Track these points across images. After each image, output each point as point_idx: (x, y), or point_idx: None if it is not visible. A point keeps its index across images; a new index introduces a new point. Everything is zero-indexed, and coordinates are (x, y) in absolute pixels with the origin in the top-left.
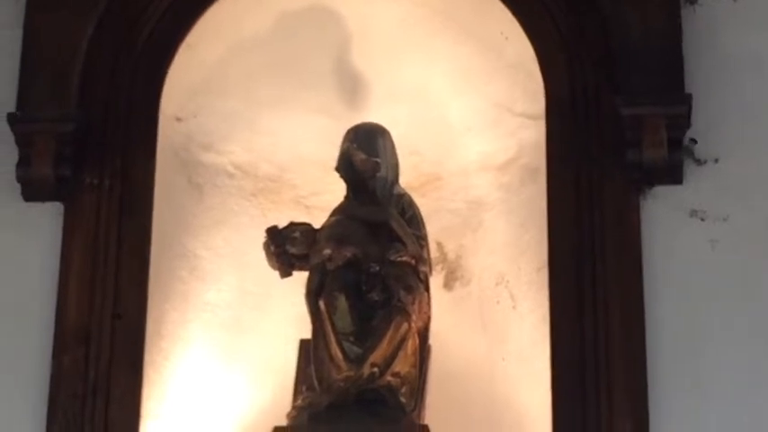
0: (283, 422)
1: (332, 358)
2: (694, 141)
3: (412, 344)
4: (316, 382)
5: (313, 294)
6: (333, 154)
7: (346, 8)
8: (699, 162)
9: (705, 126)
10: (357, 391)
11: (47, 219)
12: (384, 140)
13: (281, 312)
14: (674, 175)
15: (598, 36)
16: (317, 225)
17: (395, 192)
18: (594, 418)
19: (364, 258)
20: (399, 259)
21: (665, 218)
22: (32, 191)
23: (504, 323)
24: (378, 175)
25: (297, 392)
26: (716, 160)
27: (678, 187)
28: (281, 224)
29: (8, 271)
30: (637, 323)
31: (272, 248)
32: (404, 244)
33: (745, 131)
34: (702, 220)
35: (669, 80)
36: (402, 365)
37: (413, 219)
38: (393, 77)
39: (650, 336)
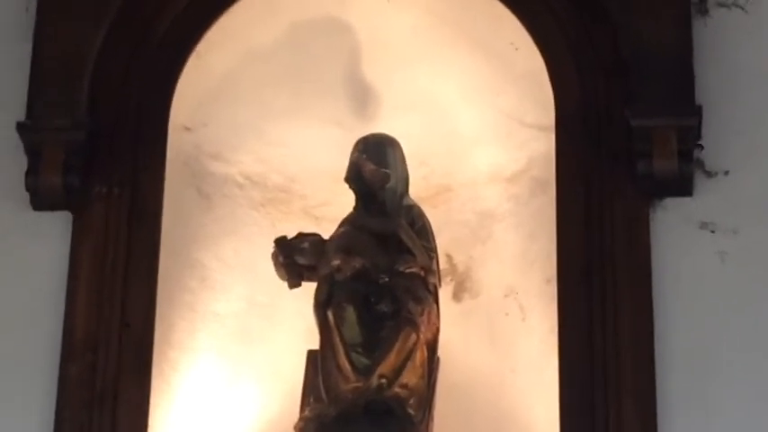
0: None
1: (340, 369)
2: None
3: (420, 355)
4: (324, 393)
5: (321, 305)
6: (342, 164)
7: (357, 19)
8: (709, 174)
9: (715, 138)
10: (365, 403)
11: (56, 228)
12: (394, 151)
13: (290, 323)
14: (684, 187)
15: (609, 47)
16: (325, 236)
17: (404, 203)
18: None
19: (373, 269)
20: (408, 270)
21: (674, 230)
22: (41, 200)
23: (513, 335)
24: (387, 185)
25: (304, 403)
26: (726, 172)
27: (688, 199)
28: (290, 235)
29: (17, 280)
30: (646, 335)
31: (281, 259)
32: (413, 255)
33: (756, 143)
34: (712, 232)
35: (680, 91)
36: (410, 377)
37: (422, 230)
38: (403, 88)
39: (659, 348)
